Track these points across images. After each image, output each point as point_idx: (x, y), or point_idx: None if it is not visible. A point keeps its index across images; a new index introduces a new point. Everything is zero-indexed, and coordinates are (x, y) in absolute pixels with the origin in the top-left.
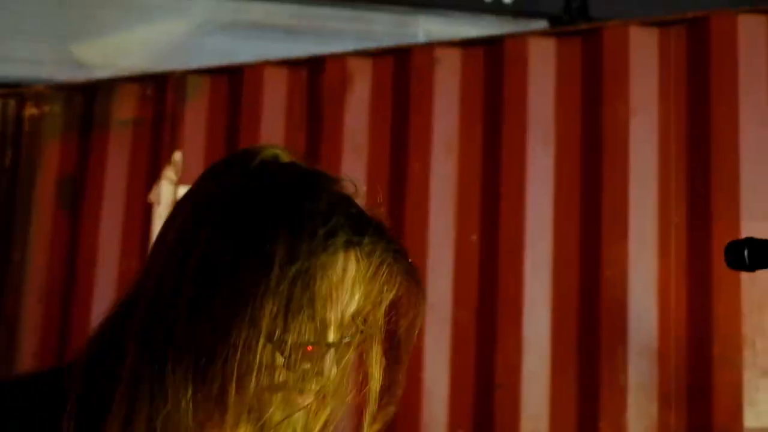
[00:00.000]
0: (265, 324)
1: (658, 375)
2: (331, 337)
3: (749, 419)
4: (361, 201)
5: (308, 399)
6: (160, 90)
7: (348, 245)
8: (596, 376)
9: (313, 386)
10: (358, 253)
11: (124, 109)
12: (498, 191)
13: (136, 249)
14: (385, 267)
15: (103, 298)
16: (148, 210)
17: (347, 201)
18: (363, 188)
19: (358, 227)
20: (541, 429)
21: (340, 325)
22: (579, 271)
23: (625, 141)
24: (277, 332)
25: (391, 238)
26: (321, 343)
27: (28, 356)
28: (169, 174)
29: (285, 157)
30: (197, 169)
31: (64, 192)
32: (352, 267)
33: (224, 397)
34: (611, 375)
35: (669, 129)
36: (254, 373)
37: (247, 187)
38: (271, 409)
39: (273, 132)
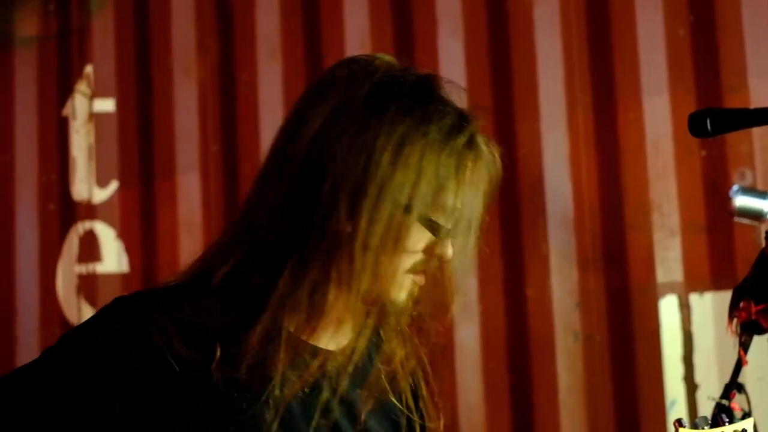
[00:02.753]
0: (403, 199)
1: (576, 242)
2: (448, 221)
3: (660, 275)
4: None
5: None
6: (62, 5)
7: (457, 146)
8: (520, 247)
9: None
10: (471, 154)
11: (27, 27)
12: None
13: (55, 164)
14: (487, 167)
15: (25, 215)
16: (63, 124)
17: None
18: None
19: (466, 131)
20: (471, 300)
21: (452, 213)
22: None
23: (530, 27)
24: (419, 209)
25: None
26: (443, 227)
27: None
28: (82, 88)
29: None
30: (110, 81)
31: None
32: (466, 163)
33: (358, 275)
34: (534, 245)
35: (570, 13)
36: (392, 247)
37: (381, 93)
38: (393, 288)
39: (183, 38)
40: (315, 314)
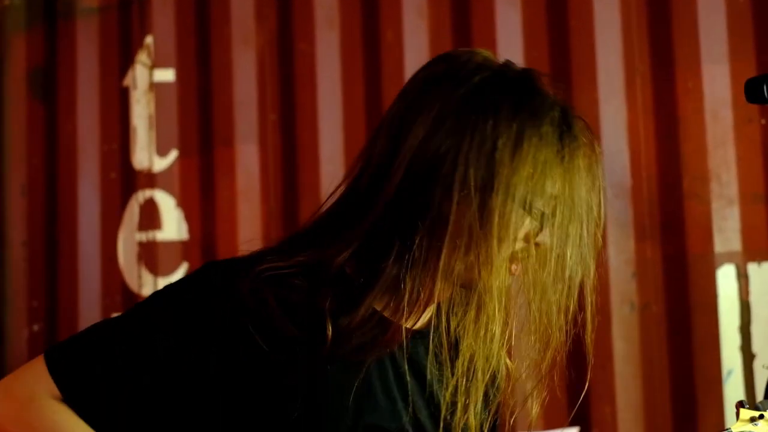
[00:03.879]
0: (519, 193)
1: (633, 211)
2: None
3: (718, 245)
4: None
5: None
6: None
7: (564, 139)
8: None
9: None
10: (570, 144)
11: None
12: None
13: (116, 133)
14: (587, 156)
15: (87, 184)
16: (124, 94)
17: (557, 101)
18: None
19: (570, 122)
20: None
21: (552, 199)
22: None
23: None
24: (529, 198)
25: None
26: (547, 215)
27: (17, 246)
28: (143, 58)
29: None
30: (170, 52)
31: (36, 83)
32: (570, 152)
33: (462, 263)
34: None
35: None
36: (506, 235)
37: (491, 91)
38: (491, 277)
39: (242, 7)
40: (411, 301)
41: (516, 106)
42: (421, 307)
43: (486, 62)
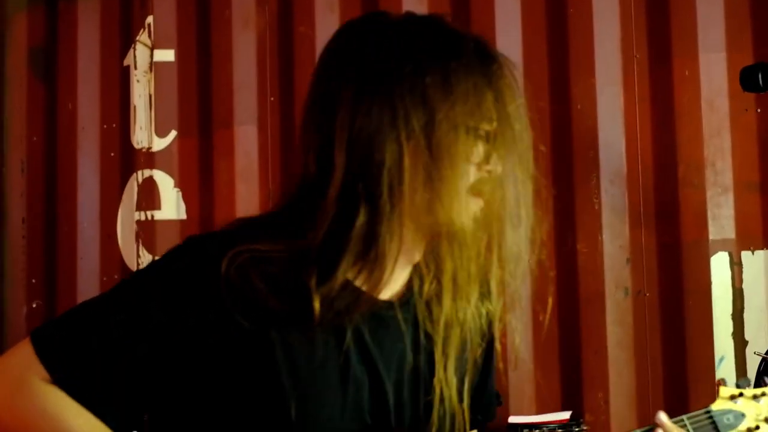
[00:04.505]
0: (459, 119)
1: (629, 198)
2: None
3: (712, 232)
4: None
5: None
6: None
7: (486, 63)
8: (572, 202)
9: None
10: (495, 65)
11: None
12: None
13: (116, 112)
14: (510, 73)
15: (87, 163)
16: (124, 74)
17: (467, 33)
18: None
19: (487, 49)
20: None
21: (493, 119)
22: (550, 107)
23: None
24: (470, 123)
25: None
26: (491, 134)
27: (17, 223)
28: (143, 38)
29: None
30: (170, 33)
31: (37, 62)
32: (495, 73)
33: (422, 207)
34: (586, 200)
35: None
36: (459, 164)
37: (411, 47)
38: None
39: None
40: (380, 265)
41: (434, 47)
42: (390, 271)
43: (391, 18)
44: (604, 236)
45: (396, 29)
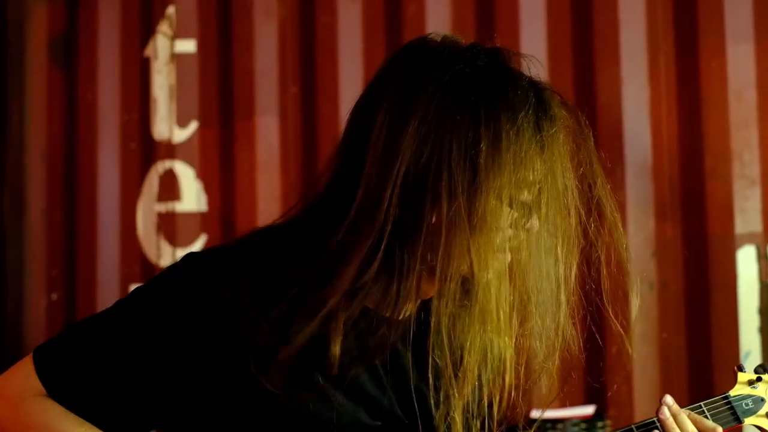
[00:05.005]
0: (505, 192)
1: (654, 190)
2: (533, 198)
3: (739, 226)
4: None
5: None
6: None
7: (541, 124)
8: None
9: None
10: (549, 129)
11: None
12: (492, 32)
13: (136, 104)
14: (565, 143)
15: (107, 153)
16: (145, 65)
17: (530, 82)
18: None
19: (546, 105)
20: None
21: (535, 185)
22: (575, 98)
23: None
24: (513, 194)
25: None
26: (530, 204)
27: (36, 214)
28: (164, 28)
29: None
30: (191, 23)
31: (57, 51)
32: (550, 138)
33: (447, 260)
34: (611, 193)
35: None
36: (496, 235)
37: (462, 86)
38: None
39: None
40: (400, 297)
41: (490, 102)
42: (412, 304)
43: (454, 51)
44: (629, 228)
45: (459, 71)
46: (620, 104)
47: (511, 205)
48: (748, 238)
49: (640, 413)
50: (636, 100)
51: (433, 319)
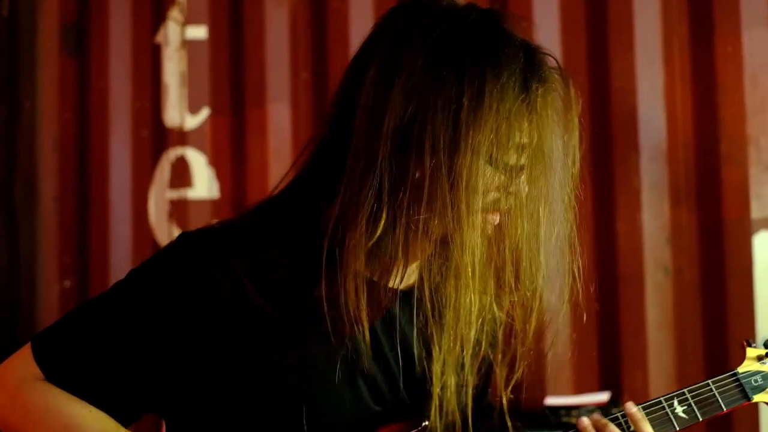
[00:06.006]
0: (485, 149)
1: (669, 176)
2: (519, 160)
3: (755, 211)
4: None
5: (497, 219)
6: None
7: (530, 85)
8: (611, 180)
9: (509, 202)
10: (542, 89)
11: None
12: (505, 16)
13: (147, 90)
14: (557, 99)
15: (119, 140)
16: (156, 51)
17: (521, 44)
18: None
19: (536, 66)
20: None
21: (523, 149)
22: (589, 83)
23: None
24: (495, 153)
25: (558, 72)
26: (516, 166)
27: (49, 201)
28: (175, 15)
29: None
30: (202, 9)
31: (68, 39)
32: (538, 101)
33: (432, 219)
34: (625, 179)
35: None
36: (475, 194)
37: (452, 42)
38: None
39: None
40: (388, 258)
41: (476, 59)
42: (404, 266)
43: (447, 9)
44: (643, 215)
45: (450, 27)
46: (635, 90)
47: (496, 166)
48: (764, 224)
49: None
50: (651, 85)
51: (419, 282)
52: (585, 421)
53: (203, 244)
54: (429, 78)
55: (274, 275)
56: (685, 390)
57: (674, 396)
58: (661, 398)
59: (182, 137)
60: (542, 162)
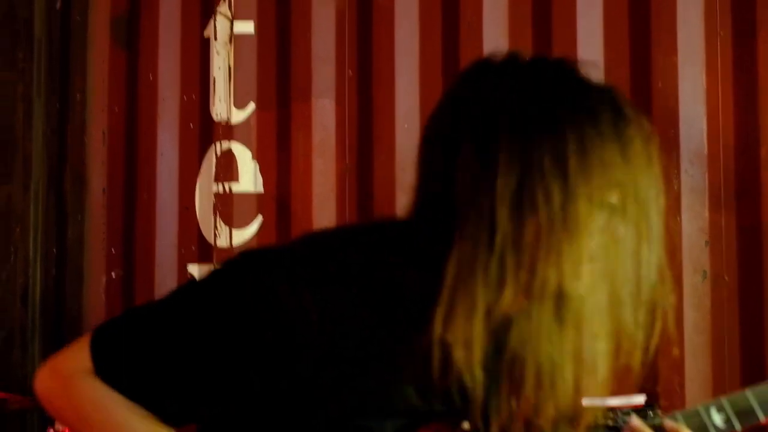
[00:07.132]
0: (593, 192)
1: (709, 179)
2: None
3: None
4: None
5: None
6: None
7: (619, 127)
8: None
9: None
10: (627, 129)
11: None
12: (550, 17)
13: (195, 83)
14: (641, 135)
15: (166, 133)
16: (205, 45)
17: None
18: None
19: (620, 107)
20: None
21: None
22: (631, 85)
23: None
24: (598, 196)
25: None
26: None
27: (97, 192)
28: (224, 10)
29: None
30: (250, 4)
31: (119, 32)
32: (628, 139)
33: (536, 268)
34: (665, 180)
35: None
36: (589, 238)
37: (542, 100)
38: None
39: None
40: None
41: (572, 112)
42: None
43: (524, 66)
44: (683, 218)
45: (531, 78)
46: (676, 91)
47: (600, 208)
48: None
49: (692, 403)
50: (692, 86)
51: (513, 333)
52: (636, 421)
53: (269, 263)
54: (528, 141)
55: (339, 306)
56: (723, 399)
57: (711, 405)
58: (699, 407)
59: (229, 131)
60: (637, 199)
